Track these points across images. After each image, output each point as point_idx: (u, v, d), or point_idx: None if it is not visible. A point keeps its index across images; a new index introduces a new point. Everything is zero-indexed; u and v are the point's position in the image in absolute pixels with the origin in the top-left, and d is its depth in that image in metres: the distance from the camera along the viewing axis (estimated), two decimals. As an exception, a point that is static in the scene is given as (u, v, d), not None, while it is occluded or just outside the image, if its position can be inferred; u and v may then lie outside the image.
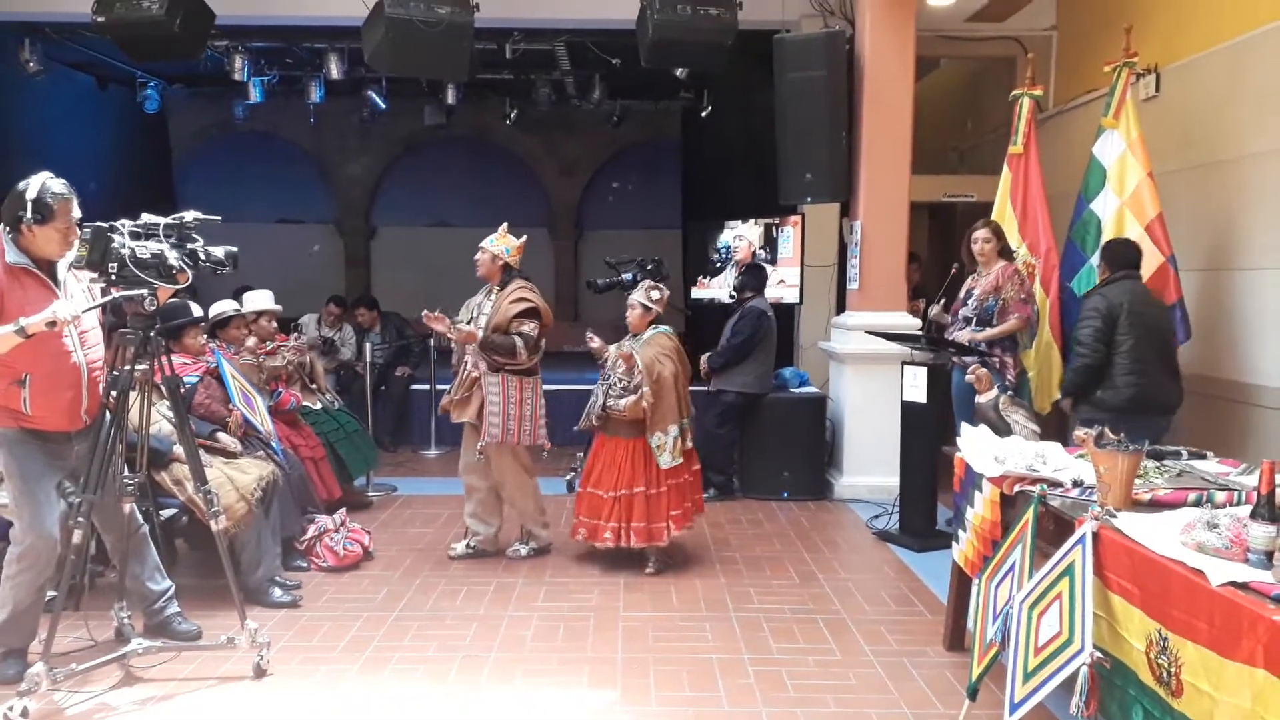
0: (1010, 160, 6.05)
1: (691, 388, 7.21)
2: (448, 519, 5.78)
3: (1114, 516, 2.69)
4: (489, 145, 13.58)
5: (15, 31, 8.17)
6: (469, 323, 4.96)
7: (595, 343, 4.98)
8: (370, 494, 6.47)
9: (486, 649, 3.91)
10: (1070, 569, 2.61)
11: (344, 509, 5.26)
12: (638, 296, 4.97)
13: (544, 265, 13.77)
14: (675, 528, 4.86)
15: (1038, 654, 2.62)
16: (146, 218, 3.52)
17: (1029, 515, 2.99)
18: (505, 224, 5.06)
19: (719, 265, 7.97)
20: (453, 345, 5.14)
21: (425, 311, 4.92)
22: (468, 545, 5.14)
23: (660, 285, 5.10)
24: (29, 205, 3.26)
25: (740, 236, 7.75)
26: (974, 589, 3.60)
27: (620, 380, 4.81)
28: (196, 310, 4.91)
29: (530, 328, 4.85)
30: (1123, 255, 4.90)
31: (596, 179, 14.29)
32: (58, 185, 3.33)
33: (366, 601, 4.45)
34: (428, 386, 8.01)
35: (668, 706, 3.42)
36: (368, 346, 7.78)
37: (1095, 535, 2.61)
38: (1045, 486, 3.11)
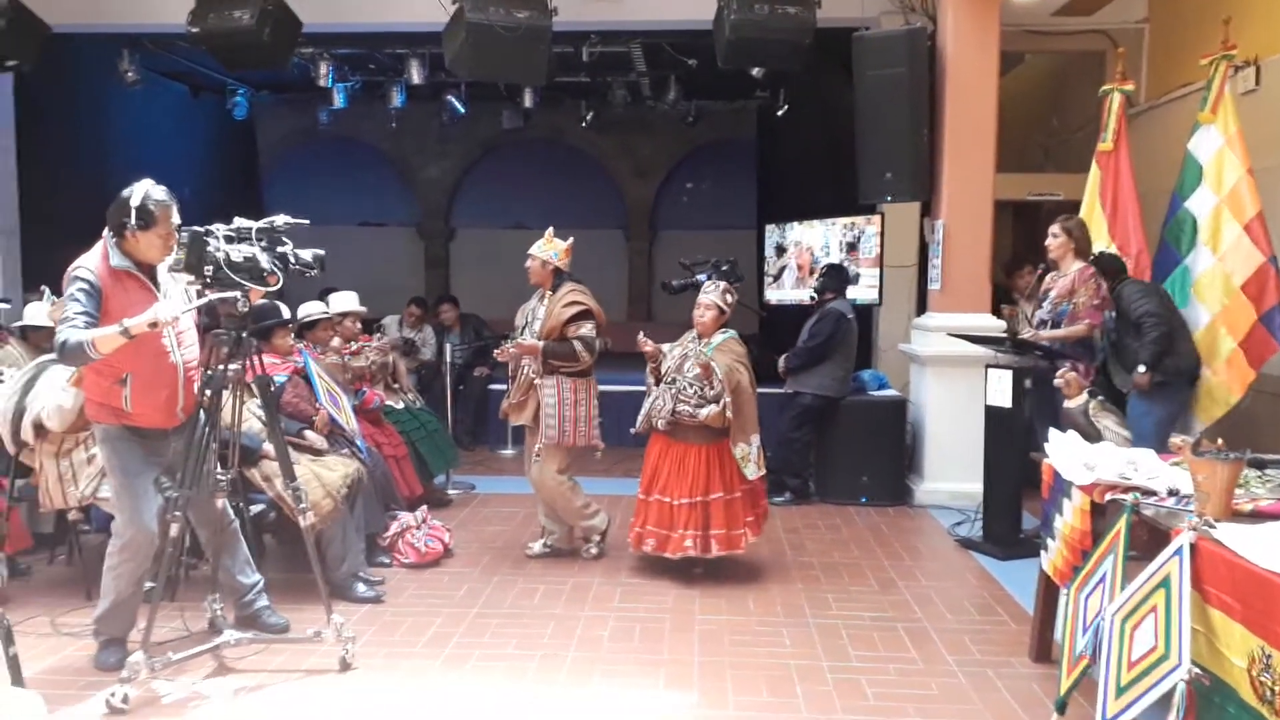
0: (1099, 157, 5.87)
1: (767, 389, 7.26)
2: (524, 517, 5.84)
3: (1213, 527, 2.58)
4: (565, 147, 13.68)
5: (116, 44, 8.52)
6: (524, 329, 5.02)
7: (649, 346, 4.86)
8: (450, 492, 6.58)
9: (564, 648, 3.95)
10: (1166, 581, 2.52)
11: (425, 506, 5.36)
12: (714, 298, 4.81)
13: (618, 266, 13.83)
14: (752, 534, 4.81)
15: (1131, 669, 2.53)
16: (239, 222, 3.63)
17: (1121, 525, 2.90)
18: (550, 229, 5.05)
19: (782, 269, 7.97)
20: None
21: (496, 352, 5.09)
22: (544, 544, 5.19)
23: (732, 288, 5.02)
24: (133, 212, 3.39)
25: (797, 243, 7.70)
26: (1062, 599, 3.50)
27: (691, 385, 4.67)
28: (285, 311, 5.05)
29: (588, 329, 4.87)
30: (1116, 263, 5.29)
31: (671, 179, 14.28)
32: (159, 193, 3.46)
33: (447, 598, 4.53)
34: (505, 386, 8.08)
35: (746, 711, 3.40)
36: (448, 347, 7.90)
37: (1193, 546, 2.51)
38: (1138, 495, 3.01)
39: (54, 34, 6.94)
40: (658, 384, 4.90)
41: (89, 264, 3.43)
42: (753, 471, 4.72)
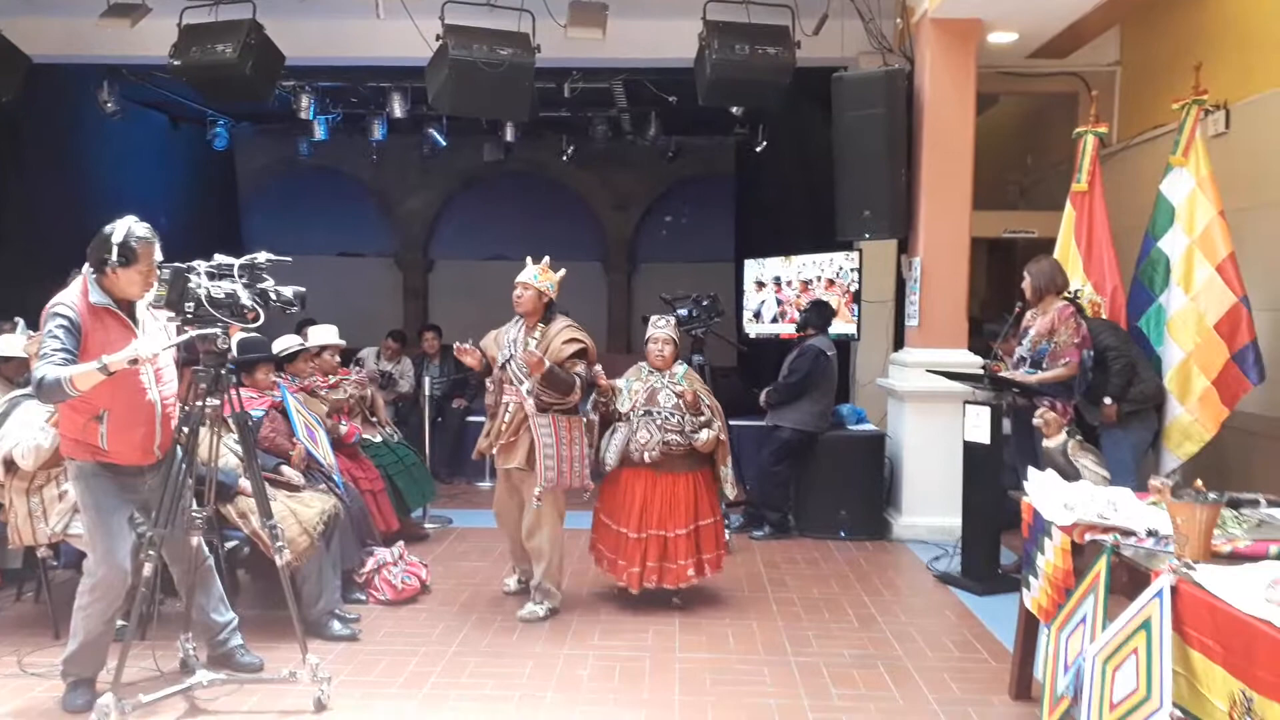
0: (1074, 197, 5.97)
1: (748, 422, 7.27)
2: (501, 552, 5.75)
3: (1193, 569, 2.60)
4: (545, 181, 13.72)
5: (95, 74, 8.49)
6: (509, 359, 4.72)
7: (604, 381, 4.81)
8: (427, 526, 6.52)
9: (543, 688, 3.91)
10: (1147, 623, 2.54)
11: (402, 541, 5.31)
12: (668, 332, 4.91)
13: (598, 298, 13.84)
14: (724, 553, 5.02)
15: (1113, 710, 2.54)
16: (220, 258, 3.62)
17: (1101, 566, 2.91)
18: (547, 258, 4.77)
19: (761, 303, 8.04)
20: (488, 383, 4.93)
21: (457, 344, 4.76)
22: (519, 580, 5.13)
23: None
24: (115, 249, 3.36)
25: (788, 281, 7.79)
26: (1042, 638, 3.51)
27: (673, 415, 4.75)
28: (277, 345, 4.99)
29: (582, 369, 4.69)
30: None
31: (650, 213, 14.36)
32: (141, 230, 3.44)
33: (423, 636, 4.47)
34: (484, 418, 8.05)
35: (727, 752, 3.38)
36: (426, 380, 7.86)
37: (1173, 589, 2.53)
38: (1117, 536, 3.03)
39: (34, 64, 6.92)
40: (604, 421, 4.91)
41: (69, 300, 3.40)
42: (731, 491, 4.95)
